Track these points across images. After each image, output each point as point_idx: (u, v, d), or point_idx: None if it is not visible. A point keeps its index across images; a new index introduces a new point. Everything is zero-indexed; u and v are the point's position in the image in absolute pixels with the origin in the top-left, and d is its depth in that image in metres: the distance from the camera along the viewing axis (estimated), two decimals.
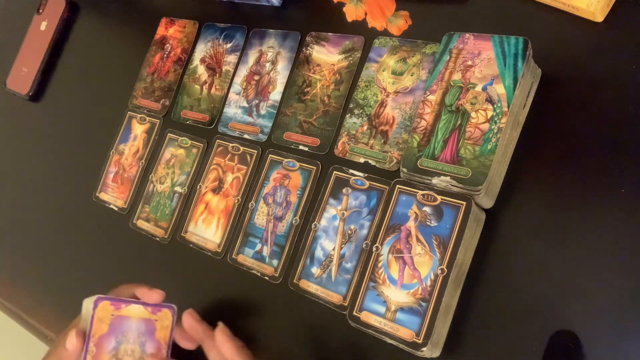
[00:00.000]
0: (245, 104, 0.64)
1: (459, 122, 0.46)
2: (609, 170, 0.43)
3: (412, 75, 0.54)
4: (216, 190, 0.62)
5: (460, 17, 0.53)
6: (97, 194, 0.72)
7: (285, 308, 0.54)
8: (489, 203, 0.46)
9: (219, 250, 0.60)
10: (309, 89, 0.60)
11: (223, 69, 0.67)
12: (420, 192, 0.47)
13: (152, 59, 0.73)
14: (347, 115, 0.56)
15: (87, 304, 0.51)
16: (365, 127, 0.55)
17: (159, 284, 0.63)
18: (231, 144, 0.63)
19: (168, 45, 0.73)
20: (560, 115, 0.46)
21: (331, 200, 0.54)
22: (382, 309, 0.45)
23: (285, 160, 0.59)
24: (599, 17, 0.46)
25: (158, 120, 0.70)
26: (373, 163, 0.53)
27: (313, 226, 0.54)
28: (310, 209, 0.55)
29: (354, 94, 0.57)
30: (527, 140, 0.47)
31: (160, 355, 0.50)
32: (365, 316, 0.46)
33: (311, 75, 0.60)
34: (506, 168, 0.47)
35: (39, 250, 0.76)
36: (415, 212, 0.46)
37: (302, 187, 0.57)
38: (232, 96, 0.65)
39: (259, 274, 0.56)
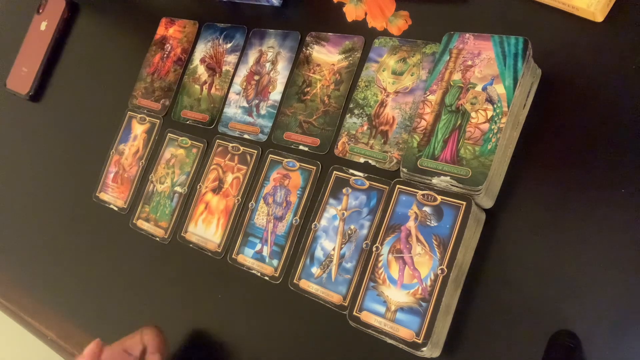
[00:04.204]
0: (245, 104, 0.64)
1: (459, 122, 0.46)
2: (609, 170, 0.43)
3: (412, 75, 0.54)
4: (216, 190, 0.62)
5: (460, 17, 0.53)
6: (97, 194, 0.72)
7: (285, 308, 0.54)
8: (489, 203, 0.46)
9: (219, 250, 0.60)
10: (309, 89, 0.60)
11: (223, 69, 0.67)
12: (420, 192, 0.47)
13: (152, 59, 0.73)
14: (347, 115, 0.56)
15: None
16: (365, 127, 0.55)
17: (159, 284, 0.64)
18: (231, 144, 0.63)
19: (168, 45, 0.73)
20: (560, 115, 0.46)
21: (331, 200, 0.54)
22: (382, 309, 0.45)
23: (285, 160, 0.59)
24: (599, 17, 0.46)
25: (158, 120, 0.70)
26: (373, 163, 0.53)
27: (313, 226, 0.54)
28: (310, 209, 0.55)
29: (354, 94, 0.57)
30: (527, 140, 0.47)
31: None
32: (365, 316, 0.46)
33: (311, 75, 0.60)
34: (506, 168, 0.47)
35: (39, 250, 0.76)
36: (415, 212, 0.46)
37: (302, 187, 0.57)
38: (232, 96, 0.65)
39: (259, 274, 0.56)
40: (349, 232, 0.52)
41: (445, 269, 0.44)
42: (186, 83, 0.69)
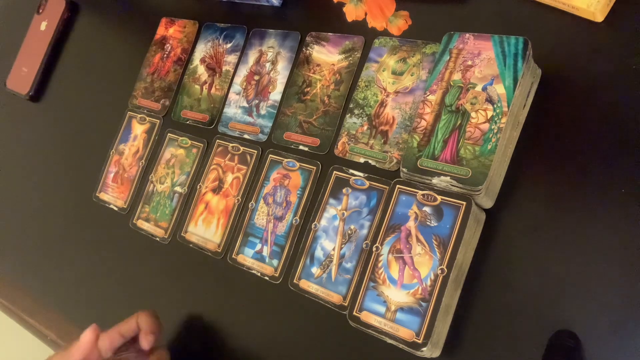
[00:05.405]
0: (245, 104, 0.64)
1: (459, 122, 0.46)
2: (609, 170, 0.43)
3: (412, 75, 0.54)
4: (216, 190, 0.62)
5: (460, 17, 0.53)
6: (97, 194, 0.72)
7: (285, 308, 0.54)
8: (489, 203, 0.46)
9: (219, 250, 0.60)
10: (309, 89, 0.60)
11: (223, 69, 0.67)
12: (420, 192, 0.47)
13: (152, 59, 0.73)
14: (347, 115, 0.56)
15: None
16: (365, 127, 0.55)
17: (158, 284, 0.64)
18: (231, 144, 0.63)
19: (168, 45, 0.73)
20: (560, 116, 0.46)
21: (331, 200, 0.54)
22: (382, 309, 0.45)
23: (285, 160, 0.59)
24: (599, 17, 0.46)
25: (158, 120, 0.70)
26: (373, 163, 0.53)
27: (313, 226, 0.54)
28: (310, 209, 0.55)
29: (354, 94, 0.57)
30: (527, 140, 0.47)
31: None
32: (365, 316, 0.46)
33: (311, 75, 0.60)
34: (506, 168, 0.47)
35: (39, 251, 0.76)
36: (415, 212, 0.46)
37: (302, 187, 0.57)
38: (232, 96, 0.65)
39: (259, 274, 0.56)
40: (349, 232, 0.52)
41: (445, 269, 0.44)
42: (186, 83, 0.69)
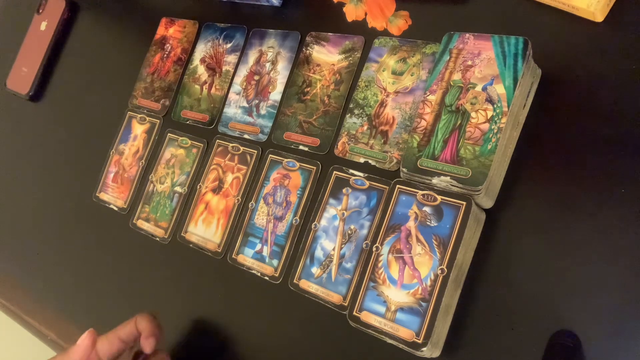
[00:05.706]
0: (245, 104, 0.64)
1: (459, 122, 0.46)
2: (609, 170, 0.43)
3: (412, 75, 0.54)
4: (216, 190, 0.62)
5: (460, 17, 0.53)
6: (97, 194, 0.72)
7: (285, 308, 0.54)
8: (489, 203, 0.46)
9: (219, 250, 0.60)
10: (309, 89, 0.60)
11: (223, 69, 0.67)
12: (420, 192, 0.47)
13: (152, 59, 0.73)
14: (347, 115, 0.56)
15: None
16: (365, 127, 0.55)
17: (158, 284, 0.64)
18: (231, 144, 0.63)
19: (168, 45, 0.73)
20: (560, 115, 0.46)
21: (331, 200, 0.54)
22: (382, 309, 0.45)
23: (285, 160, 0.59)
24: (599, 17, 0.46)
25: (158, 120, 0.70)
26: (373, 163, 0.53)
27: (313, 226, 0.54)
28: (310, 209, 0.55)
29: (354, 94, 0.57)
30: (527, 140, 0.47)
31: None
32: (365, 316, 0.46)
33: (311, 75, 0.60)
34: (506, 168, 0.47)
35: (39, 250, 0.76)
36: (415, 212, 0.46)
37: (302, 187, 0.57)
38: (232, 96, 0.65)
39: (259, 274, 0.56)
40: (349, 232, 0.52)
41: (445, 269, 0.44)
42: (186, 83, 0.69)
